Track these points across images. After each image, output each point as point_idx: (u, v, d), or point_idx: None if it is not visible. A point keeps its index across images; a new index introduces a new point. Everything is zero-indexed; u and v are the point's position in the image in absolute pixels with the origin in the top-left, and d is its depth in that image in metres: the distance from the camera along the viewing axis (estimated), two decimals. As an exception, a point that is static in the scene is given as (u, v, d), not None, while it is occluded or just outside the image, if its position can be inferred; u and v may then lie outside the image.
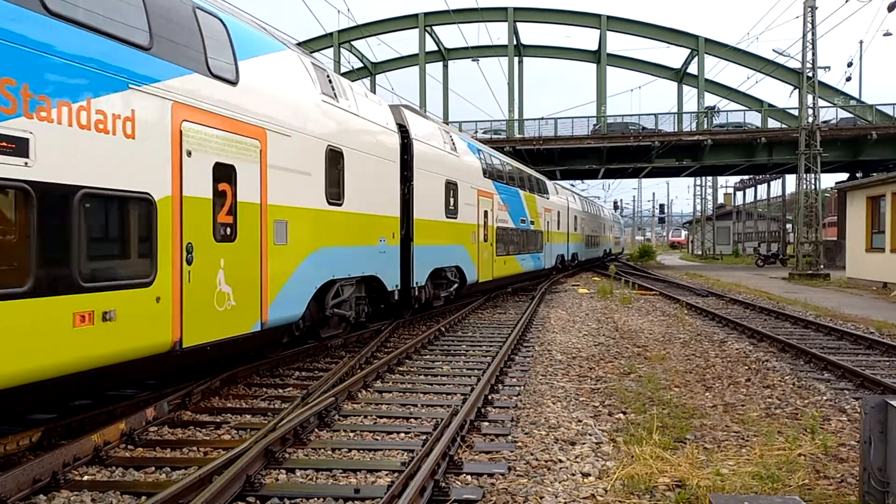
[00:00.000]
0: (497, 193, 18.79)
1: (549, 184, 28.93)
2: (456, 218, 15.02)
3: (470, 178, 16.31)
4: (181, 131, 6.45)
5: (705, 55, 43.45)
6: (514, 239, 20.71)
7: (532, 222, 23.23)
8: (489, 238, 17.75)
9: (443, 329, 13.18)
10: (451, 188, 14.69)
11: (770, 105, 45.18)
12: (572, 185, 49.25)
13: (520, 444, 6.17)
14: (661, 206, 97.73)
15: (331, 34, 45.76)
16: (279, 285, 8.03)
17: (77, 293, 5.27)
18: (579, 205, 37.07)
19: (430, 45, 47.91)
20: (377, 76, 50.63)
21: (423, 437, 6.27)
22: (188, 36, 6.80)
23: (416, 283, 12.80)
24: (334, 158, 9.50)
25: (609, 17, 44.83)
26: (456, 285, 15.26)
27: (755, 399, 8.04)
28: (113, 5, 5.94)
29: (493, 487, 5.10)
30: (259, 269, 7.62)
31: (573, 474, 5.38)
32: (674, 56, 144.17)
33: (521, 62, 49.88)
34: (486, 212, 17.47)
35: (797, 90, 35.02)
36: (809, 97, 32.20)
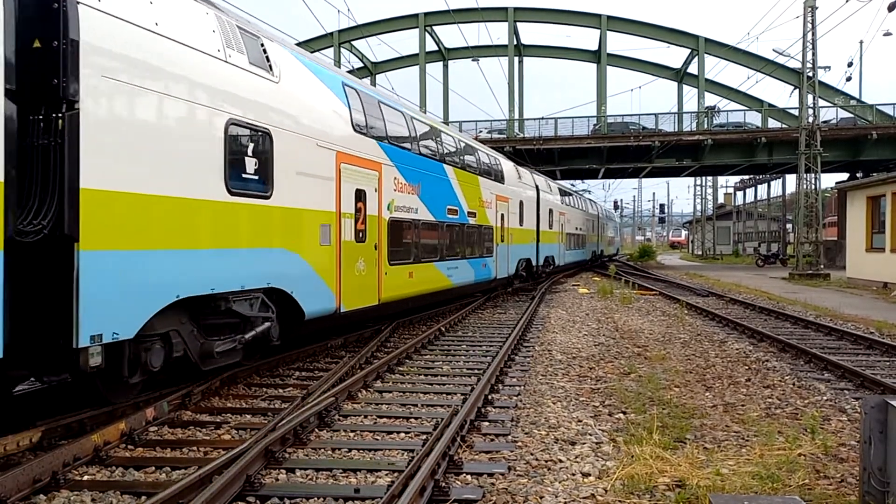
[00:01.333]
0: (392, 164, 11.73)
1: (507, 164, 21.67)
2: (267, 198, 7.97)
3: (313, 129, 9.07)
4: None
5: (705, 55, 43.47)
6: (434, 238, 13.92)
7: (472, 214, 16.47)
8: (371, 236, 10.81)
9: (443, 329, 13.18)
10: (248, 138, 7.72)
11: (770, 105, 45.21)
12: (572, 185, 48.89)
13: (520, 443, 6.17)
14: (661, 206, 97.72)
15: (331, 34, 45.78)
16: None
17: None
18: (557, 196, 29.81)
19: (430, 45, 47.95)
20: (377, 76, 50.65)
21: (424, 436, 6.27)
22: None
23: (104, 334, 5.70)
24: None
25: (609, 17, 44.85)
26: (268, 325, 8.10)
27: (755, 399, 8.04)
28: None
29: (493, 487, 5.10)
30: None
31: (573, 474, 5.38)
32: (674, 56, 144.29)
33: (521, 62, 49.91)
34: (361, 192, 10.46)
35: (797, 90, 35.02)
36: (809, 97, 32.20)
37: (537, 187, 25.07)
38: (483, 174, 17.84)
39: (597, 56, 46.58)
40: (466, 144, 17.55)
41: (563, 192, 32.24)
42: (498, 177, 19.51)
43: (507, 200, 20.15)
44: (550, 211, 26.93)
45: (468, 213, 16.16)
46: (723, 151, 41.24)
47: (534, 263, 24.23)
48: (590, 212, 40.84)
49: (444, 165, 14.78)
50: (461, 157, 16.40)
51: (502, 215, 19.45)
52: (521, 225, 21.88)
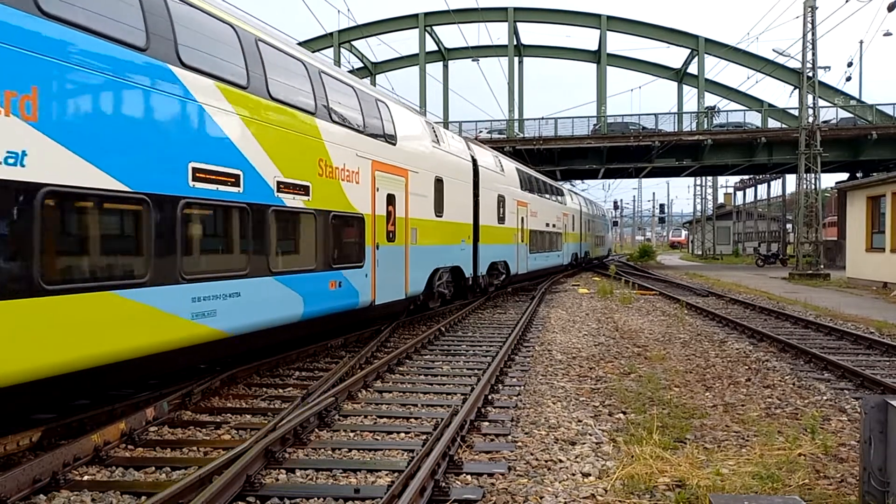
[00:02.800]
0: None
1: (405, 115, 13.38)
2: None
3: None
4: None
5: (705, 55, 43.46)
6: (124, 233, 6.48)
7: (299, 188, 8.94)
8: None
9: (443, 329, 13.18)
10: None
11: (770, 105, 45.20)
12: (572, 185, 48.68)
13: (520, 443, 6.17)
14: (661, 206, 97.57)
15: (331, 34, 45.78)
16: None
17: None
18: (514, 180, 21.86)
19: (430, 45, 47.95)
20: (377, 76, 50.65)
21: (424, 436, 6.28)
22: None
23: None
24: None
25: (609, 17, 44.85)
26: None
27: (755, 399, 8.04)
28: None
29: (493, 487, 5.10)
30: None
31: (573, 474, 5.38)
32: (674, 56, 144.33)
33: (521, 62, 49.90)
34: None
35: (797, 90, 35.02)
36: (809, 97, 32.20)
37: (475, 162, 17.19)
38: (334, 119, 9.90)
39: (597, 56, 46.57)
40: (283, 53, 9.13)
41: (526, 177, 24.21)
42: (378, 131, 11.53)
43: (405, 175, 12.37)
44: (502, 199, 19.62)
45: (283, 185, 8.39)
46: (723, 151, 41.24)
47: (468, 273, 16.45)
48: (568, 204, 33.38)
49: (184, 73, 7.02)
50: (260, 73, 8.23)
51: (391, 197, 11.75)
52: (438, 215, 14.16)
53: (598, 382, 8.88)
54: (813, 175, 32.63)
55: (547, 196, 27.82)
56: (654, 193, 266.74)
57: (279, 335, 8.83)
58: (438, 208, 14.24)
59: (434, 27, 47.08)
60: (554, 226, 28.64)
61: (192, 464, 5.51)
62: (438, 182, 14.25)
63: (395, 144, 12.17)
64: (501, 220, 19.61)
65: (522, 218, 22.25)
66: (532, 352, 11.12)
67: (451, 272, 15.60)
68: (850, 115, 42.83)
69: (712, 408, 7.59)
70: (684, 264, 54.35)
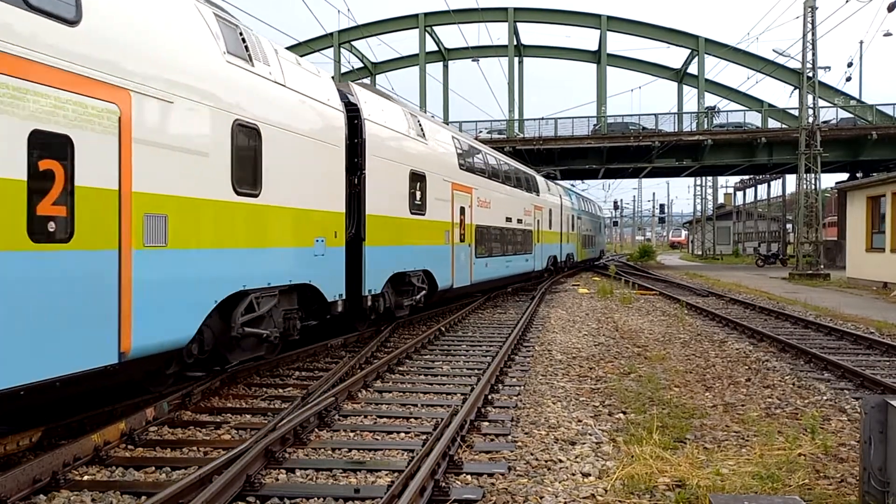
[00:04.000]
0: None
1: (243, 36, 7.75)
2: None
3: None
4: None
5: (705, 55, 43.49)
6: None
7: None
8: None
9: (443, 329, 13.18)
10: None
11: (770, 105, 45.23)
12: (572, 185, 48.60)
13: (520, 443, 6.17)
14: (661, 206, 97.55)
15: (331, 34, 45.76)
16: None
17: None
18: (449, 153, 15.42)
19: (431, 45, 47.99)
20: (377, 76, 50.67)
21: (423, 436, 6.27)
22: None
23: None
24: None
25: (609, 18, 44.89)
26: None
27: (755, 399, 8.04)
28: None
29: (493, 487, 5.10)
30: None
31: (573, 474, 5.38)
32: (674, 56, 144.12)
33: (521, 62, 49.93)
34: None
35: (797, 90, 35.04)
36: (809, 97, 32.21)
37: (355, 112, 10.85)
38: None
39: (597, 56, 46.60)
40: None
41: (471, 153, 17.54)
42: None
43: (122, 100, 5.72)
44: (419, 179, 13.17)
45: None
46: (723, 151, 41.26)
47: (334, 295, 9.82)
48: (543, 195, 26.74)
49: None
50: None
51: (43, 142, 4.94)
52: (243, 194, 7.68)
53: (598, 382, 8.88)
54: (813, 175, 32.64)
55: (508, 182, 21.09)
56: (654, 193, 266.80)
57: None
58: (243, 180, 7.66)
59: (434, 27, 47.12)
60: (520, 221, 22.09)
61: (192, 464, 5.51)
62: (244, 130, 7.67)
63: (76, 25, 5.39)
64: (419, 208, 13.21)
65: (462, 208, 15.94)
66: (532, 352, 11.12)
67: (295, 295, 9.07)
68: (850, 115, 42.86)
69: (712, 408, 7.59)
70: (684, 264, 54.35)
